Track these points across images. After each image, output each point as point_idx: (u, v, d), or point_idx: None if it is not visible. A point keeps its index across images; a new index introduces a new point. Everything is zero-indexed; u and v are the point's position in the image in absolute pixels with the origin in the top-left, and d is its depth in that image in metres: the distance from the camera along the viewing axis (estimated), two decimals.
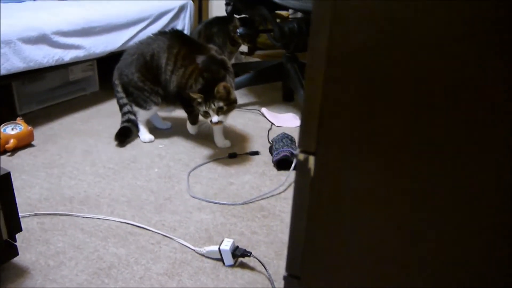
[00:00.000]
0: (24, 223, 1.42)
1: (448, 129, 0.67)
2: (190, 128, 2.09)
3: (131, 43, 2.61)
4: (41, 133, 2.14)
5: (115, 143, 2.06)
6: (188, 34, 3.11)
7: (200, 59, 1.94)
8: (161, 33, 2.12)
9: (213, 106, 1.81)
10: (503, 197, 0.67)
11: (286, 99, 2.77)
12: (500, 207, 0.68)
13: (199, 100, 1.82)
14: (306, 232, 0.82)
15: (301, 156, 0.76)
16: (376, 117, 0.70)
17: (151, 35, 2.13)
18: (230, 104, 1.86)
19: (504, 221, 0.68)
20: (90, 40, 2.37)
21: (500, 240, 0.70)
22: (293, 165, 1.84)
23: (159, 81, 2.03)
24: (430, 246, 0.74)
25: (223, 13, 2.78)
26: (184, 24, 3.09)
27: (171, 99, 2.07)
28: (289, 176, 1.79)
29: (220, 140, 2.11)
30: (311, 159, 0.75)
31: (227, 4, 2.55)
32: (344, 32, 0.67)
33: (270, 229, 1.47)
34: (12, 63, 1.98)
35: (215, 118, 1.84)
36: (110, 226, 1.46)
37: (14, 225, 1.20)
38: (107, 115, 2.38)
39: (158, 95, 2.05)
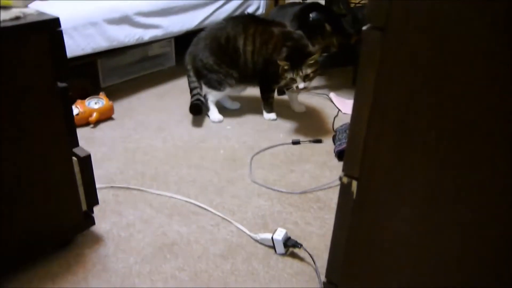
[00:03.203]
0: (101, 194, 1.59)
1: (490, 155, 0.69)
2: (267, 116, 2.25)
3: (208, 22, 2.71)
4: (120, 106, 2.31)
5: (189, 119, 2.21)
6: (263, 13, 3.16)
7: (278, 32, 2.08)
8: (232, 17, 2.22)
9: (300, 73, 1.97)
10: None
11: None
12: None
13: (286, 67, 1.98)
14: (346, 247, 0.87)
15: (345, 180, 0.81)
16: (417, 150, 0.73)
17: (222, 20, 2.22)
18: (316, 71, 2.02)
19: None
20: (168, 20, 2.48)
21: None
22: None
23: (236, 64, 2.12)
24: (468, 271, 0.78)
25: None
26: (260, 3, 3.12)
27: (248, 80, 2.19)
28: None
29: (297, 105, 2.31)
30: (354, 184, 0.80)
31: None
32: (388, 72, 0.70)
33: (324, 222, 1.53)
34: (98, 42, 2.15)
35: (301, 85, 2.00)
36: (175, 204, 1.59)
37: (92, 199, 1.36)
38: (181, 92, 2.50)
39: (232, 77, 2.15)
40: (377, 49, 0.71)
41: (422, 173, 0.74)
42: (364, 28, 0.72)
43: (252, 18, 2.21)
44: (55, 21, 1.13)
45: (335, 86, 2.71)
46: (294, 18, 2.75)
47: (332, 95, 2.54)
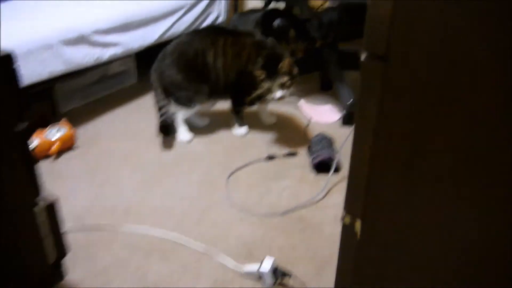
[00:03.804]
0: (70, 236, 1.46)
1: (503, 193, 0.64)
2: (238, 131, 2.17)
3: (168, 34, 2.60)
4: (84, 132, 2.17)
5: (157, 141, 2.10)
6: (224, 20, 3.08)
7: (250, 42, 2.01)
8: (198, 31, 2.13)
9: (276, 82, 1.90)
10: None
11: (324, 89, 2.71)
12: None
13: (262, 77, 1.91)
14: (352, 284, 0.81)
15: (347, 220, 0.74)
16: (425, 187, 0.67)
17: (188, 33, 2.12)
18: (293, 79, 1.95)
19: None
20: (128, 36, 2.36)
21: None
22: (332, 169, 1.81)
23: (206, 79, 2.03)
24: None
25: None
26: (220, 11, 3.03)
27: (219, 94, 2.11)
28: (328, 181, 1.76)
29: (267, 117, 2.26)
30: (358, 223, 0.73)
31: None
32: (391, 105, 0.64)
33: (310, 243, 1.47)
34: (54, 66, 2.01)
35: (278, 93, 1.93)
36: (152, 240, 1.49)
37: (61, 250, 1.23)
38: (145, 111, 2.37)
39: (203, 93, 2.05)
40: (378, 80, 0.64)
41: (432, 210, 0.68)
42: (362, 58, 0.65)
43: (219, 29, 2.13)
44: (8, 58, 1.01)
45: (303, 92, 2.65)
46: (257, 25, 2.69)
47: (301, 103, 2.48)
